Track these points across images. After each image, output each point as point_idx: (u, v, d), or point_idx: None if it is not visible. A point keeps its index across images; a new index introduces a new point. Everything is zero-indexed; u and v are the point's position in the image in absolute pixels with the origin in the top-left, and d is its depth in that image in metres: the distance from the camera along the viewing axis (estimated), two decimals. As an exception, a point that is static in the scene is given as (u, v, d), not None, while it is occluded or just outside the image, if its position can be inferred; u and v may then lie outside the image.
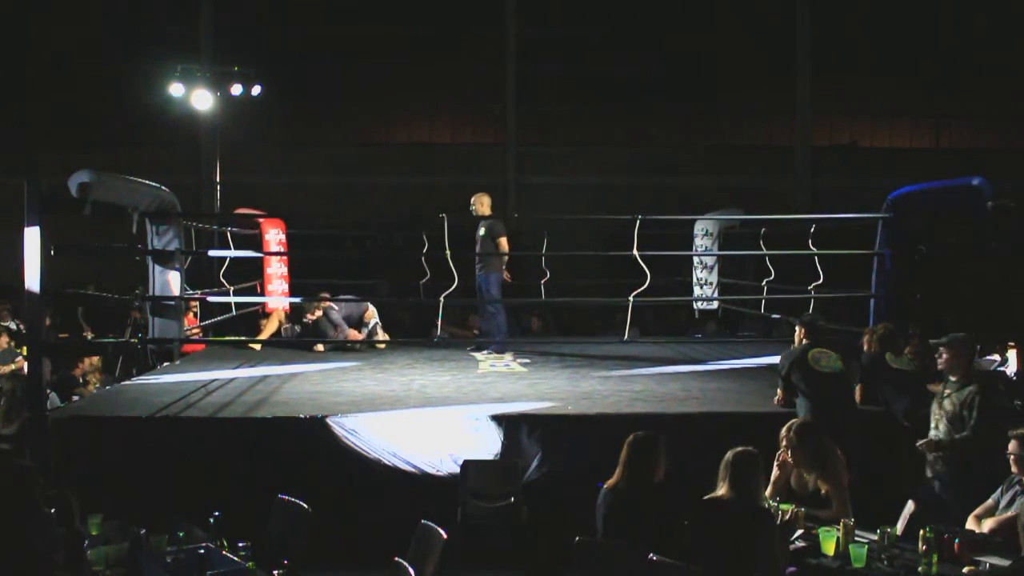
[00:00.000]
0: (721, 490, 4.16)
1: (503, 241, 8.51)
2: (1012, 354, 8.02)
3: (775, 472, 4.74)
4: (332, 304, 9.11)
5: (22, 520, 3.53)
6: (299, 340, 9.15)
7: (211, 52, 17.40)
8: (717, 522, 4.09)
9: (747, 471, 4.15)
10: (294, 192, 16.61)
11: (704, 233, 10.53)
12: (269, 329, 9.55)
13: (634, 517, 4.29)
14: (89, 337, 10.56)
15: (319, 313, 9.08)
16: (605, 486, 4.46)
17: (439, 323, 8.39)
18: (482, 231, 8.63)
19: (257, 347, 9.14)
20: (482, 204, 8.63)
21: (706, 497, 4.21)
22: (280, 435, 5.74)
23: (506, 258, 8.71)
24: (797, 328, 6.22)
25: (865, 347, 6.21)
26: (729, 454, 4.22)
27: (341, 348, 9.05)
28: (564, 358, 8.52)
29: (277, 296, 9.91)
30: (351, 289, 11.30)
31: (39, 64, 17.24)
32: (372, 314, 9.27)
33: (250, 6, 18.04)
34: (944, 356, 5.27)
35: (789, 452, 4.68)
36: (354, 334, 9.15)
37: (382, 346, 9.23)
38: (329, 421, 5.70)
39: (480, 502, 5.42)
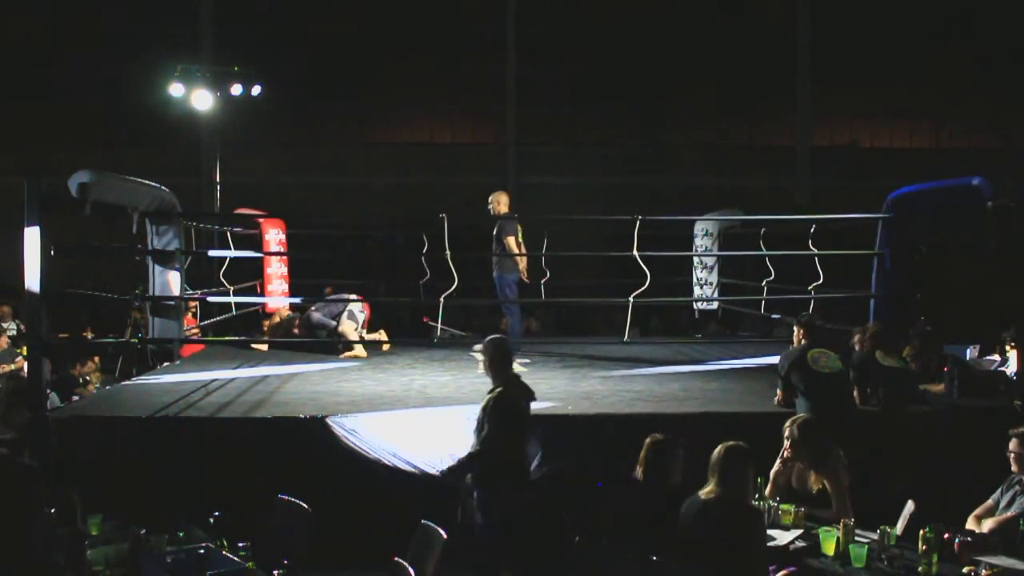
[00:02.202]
0: (710, 485, 4.16)
1: (510, 241, 8.35)
2: (1012, 354, 8.01)
3: (776, 468, 4.74)
4: (312, 311, 9.04)
5: (22, 520, 3.53)
6: (336, 340, 8.94)
7: (211, 52, 17.41)
8: (705, 519, 4.08)
9: (736, 466, 4.13)
10: (294, 192, 16.61)
11: (704, 233, 10.54)
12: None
13: (646, 517, 4.29)
14: (89, 337, 10.57)
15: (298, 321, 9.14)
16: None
17: (438, 324, 8.38)
18: (495, 231, 8.58)
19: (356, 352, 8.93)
20: (499, 203, 8.52)
21: (697, 493, 4.21)
22: (280, 435, 5.74)
23: (523, 259, 8.62)
24: (795, 328, 6.22)
25: (857, 346, 6.21)
26: (720, 448, 4.21)
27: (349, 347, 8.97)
28: (564, 358, 8.51)
29: (277, 296, 9.92)
30: (352, 288, 11.27)
31: (39, 64, 17.24)
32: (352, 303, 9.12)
33: (250, 6, 18.05)
34: (483, 359, 5.14)
35: (791, 446, 4.69)
36: (350, 330, 9.06)
37: (386, 347, 9.13)
38: (329, 421, 5.70)
39: (480, 502, 5.41)
